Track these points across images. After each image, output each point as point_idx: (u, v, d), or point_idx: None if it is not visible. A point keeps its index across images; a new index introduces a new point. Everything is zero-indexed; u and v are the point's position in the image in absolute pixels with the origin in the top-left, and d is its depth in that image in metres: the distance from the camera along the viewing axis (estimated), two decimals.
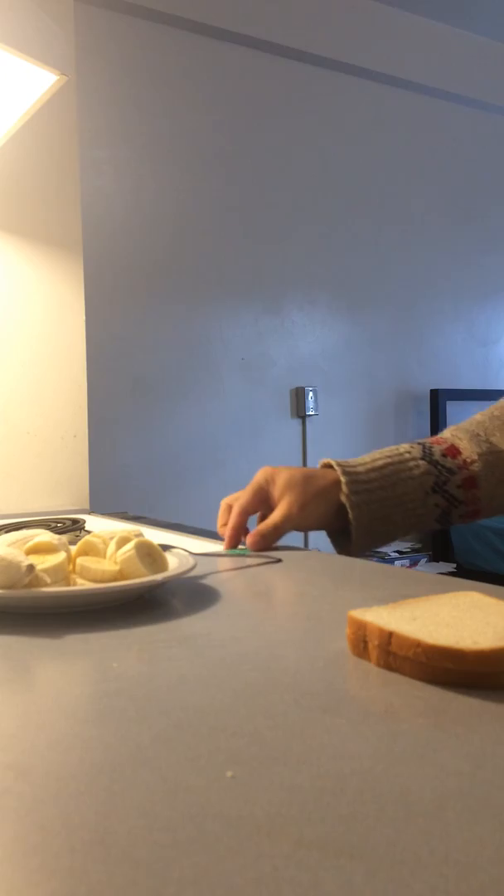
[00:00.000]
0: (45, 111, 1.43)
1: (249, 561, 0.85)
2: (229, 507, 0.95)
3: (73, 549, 0.69)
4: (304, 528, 0.92)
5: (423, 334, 3.84)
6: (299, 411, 3.40)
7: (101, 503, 1.63)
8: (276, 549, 0.92)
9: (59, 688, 0.47)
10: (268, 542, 0.90)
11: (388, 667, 0.47)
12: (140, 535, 0.70)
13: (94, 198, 2.91)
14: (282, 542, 0.93)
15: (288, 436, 3.38)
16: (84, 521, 1.14)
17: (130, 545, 0.66)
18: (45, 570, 0.62)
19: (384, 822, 0.30)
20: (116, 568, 0.65)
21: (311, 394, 3.40)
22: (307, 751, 0.36)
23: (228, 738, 0.38)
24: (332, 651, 0.52)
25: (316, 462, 3.61)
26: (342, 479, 0.90)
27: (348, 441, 3.57)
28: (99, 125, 2.94)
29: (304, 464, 3.41)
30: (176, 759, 0.36)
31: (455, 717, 0.40)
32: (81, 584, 0.64)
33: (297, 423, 3.41)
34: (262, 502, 0.93)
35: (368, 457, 0.94)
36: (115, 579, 0.64)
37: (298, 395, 3.40)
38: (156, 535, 1.03)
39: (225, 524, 0.94)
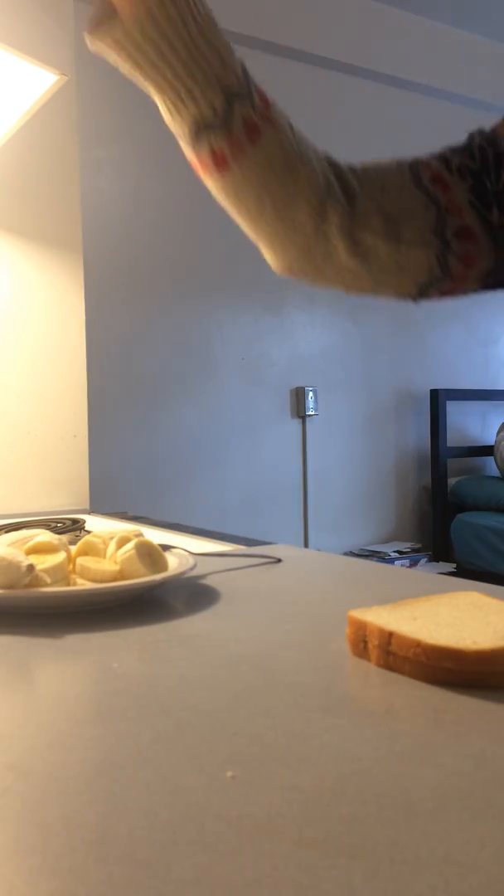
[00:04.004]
0: (45, 111, 1.43)
1: (249, 561, 0.85)
2: None
3: (73, 549, 0.69)
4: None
5: (422, 334, 3.84)
6: (299, 411, 3.40)
7: (101, 503, 1.63)
8: (276, 549, 0.92)
9: (59, 688, 0.47)
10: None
11: (388, 667, 0.47)
12: (140, 535, 0.70)
13: (94, 198, 2.91)
14: (282, 541, 0.93)
15: (288, 436, 3.38)
16: (84, 521, 1.14)
17: (130, 545, 0.66)
18: (45, 570, 0.62)
19: (384, 822, 0.30)
20: (116, 568, 0.65)
21: (311, 394, 3.40)
22: (307, 751, 0.36)
23: (228, 738, 0.38)
24: (332, 651, 0.52)
25: (316, 462, 3.60)
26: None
27: (348, 441, 3.57)
28: (99, 125, 2.94)
29: (304, 464, 3.42)
30: (176, 759, 0.36)
31: (455, 717, 0.40)
32: (81, 584, 0.64)
33: (297, 423, 3.41)
34: None
35: None
36: (115, 579, 0.64)
37: (298, 395, 3.40)
38: (156, 535, 1.03)
39: None
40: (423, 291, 0.74)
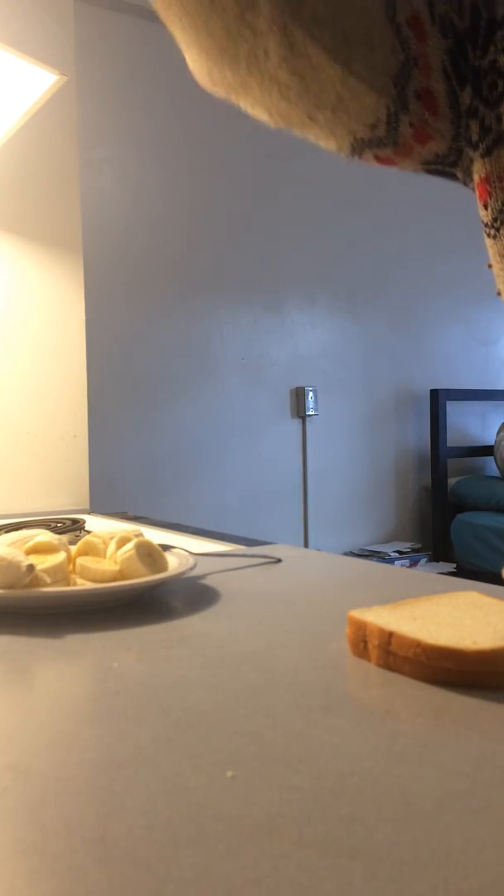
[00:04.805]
0: (45, 111, 1.43)
1: (249, 561, 0.85)
2: None
3: (73, 549, 0.69)
4: None
5: (422, 334, 3.84)
6: (299, 411, 3.40)
7: (101, 503, 1.63)
8: (276, 549, 0.92)
9: (59, 688, 0.47)
10: None
11: (388, 667, 0.47)
12: (140, 535, 0.70)
13: (94, 198, 2.91)
14: (282, 541, 0.93)
15: (288, 436, 3.38)
16: (84, 521, 1.14)
17: (130, 545, 0.66)
18: (45, 570, 0.62)
19: (384, 822, 0.30)
20: (116, 568, 0.65)
21: (311, 394, 3.40)
22: (307, 751, 0.36)
23: (228, 738, 0.38)
24: (332, 651, 0.52)
25: (316, 462, 3.60)
26: None
27: (348, 441, 3.57)
28: (99, 125, 2.94)
29: (304, 464, 3.42)
30: (176, 759, 0.36)
31: (455, 717, 0.40)
32: (81, 584, 0.64)
33: (297, 423, 3.41)
34: None
35: None
36: (115, 579, 0.64)
37: (298, 395, 3.40)
38: (156, 535, 1.03)
39: None
40: (357, 149, 0.61)
